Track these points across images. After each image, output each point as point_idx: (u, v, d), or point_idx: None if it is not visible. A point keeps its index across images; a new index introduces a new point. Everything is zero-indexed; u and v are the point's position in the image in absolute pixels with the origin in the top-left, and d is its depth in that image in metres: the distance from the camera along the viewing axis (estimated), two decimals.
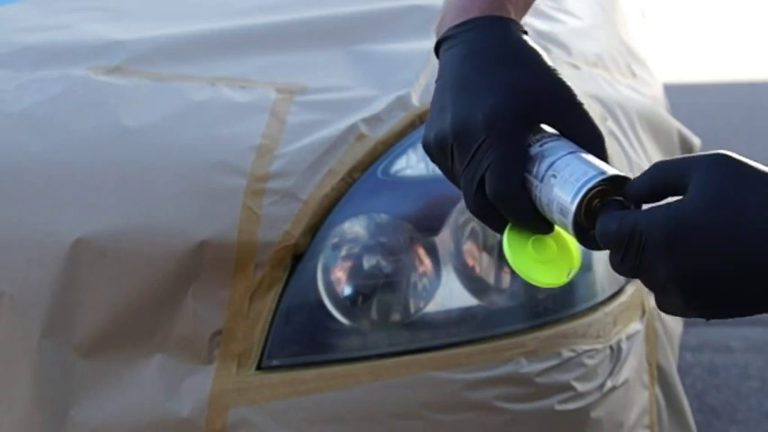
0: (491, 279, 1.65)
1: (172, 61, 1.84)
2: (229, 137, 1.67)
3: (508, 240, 0.92)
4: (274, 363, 1.60)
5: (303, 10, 1.99)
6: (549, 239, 0.93)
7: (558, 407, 1.61)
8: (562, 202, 0.89)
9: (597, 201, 0.88)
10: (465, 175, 0.93)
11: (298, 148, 1.65)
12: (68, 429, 1.60)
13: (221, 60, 1.84)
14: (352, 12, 1.97)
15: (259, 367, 1.60)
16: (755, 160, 0.85)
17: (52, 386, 1.60)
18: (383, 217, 1.65)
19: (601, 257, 1.72)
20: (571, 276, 0.92)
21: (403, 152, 1.67)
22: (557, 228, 0.93)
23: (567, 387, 1.62)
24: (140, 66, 1.83)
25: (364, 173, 1.65)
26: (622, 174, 0.89)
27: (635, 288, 1.78)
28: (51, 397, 1.60)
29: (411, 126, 1.68)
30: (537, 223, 0.93)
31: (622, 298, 1.75)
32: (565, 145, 0.92)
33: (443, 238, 1.63)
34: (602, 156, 0.93)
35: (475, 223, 1.65)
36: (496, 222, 0.94)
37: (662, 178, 0.86)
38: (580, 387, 1.63)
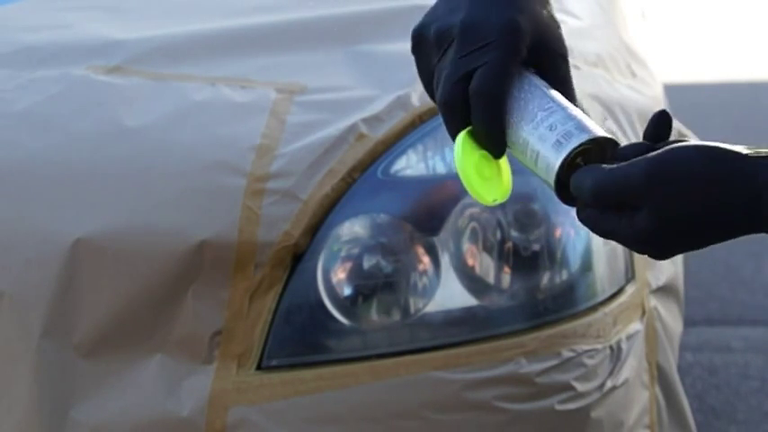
0: (491, 279, 1.65)
1: (172, 61, 1.84)
2: (229, 137, 1.67)
3: (462, 143, 0.93)
4: (274, 363, 1.60)
5: (303, 10, 1.99)
6: (492, 161, 0.95)
7: (558, 407, 1.61)
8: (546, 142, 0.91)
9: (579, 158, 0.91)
10: (457, 62, 0.93)
11: (298, 148, 1.65)
12: (68, 429, 1.60)
13: (221, 60, 1.84)
14: (352, 12, 1.97)
15: (259, 367, 1.60)
16: None
17: (52, 386, 1.60)
18: (383, 217, 1.65)
19: (600, 257, 1.72)
20: (495, 204, 0.95)
21: (403, 152, 1.67)
22: (504, 159, 0.95)
23: (567, 387, 1.62)
24: (140, 65, 1.83)
25: (364, 173, 1.65)
26: (608, 135, 0.91)
27: (635, 288, 1.78)
28: (51, 397, 1.60)
29: (411, 126, 1.68)
30: (499, 136, 0.93)
31: (622, 298, 1.75)
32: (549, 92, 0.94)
33: (443, 238, 1.63)
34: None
35: (475, 223, 1.65)
36: (459, 118, 0.94)
37: (615, 192, 0.88)
38: (580, 387, 1.63)
